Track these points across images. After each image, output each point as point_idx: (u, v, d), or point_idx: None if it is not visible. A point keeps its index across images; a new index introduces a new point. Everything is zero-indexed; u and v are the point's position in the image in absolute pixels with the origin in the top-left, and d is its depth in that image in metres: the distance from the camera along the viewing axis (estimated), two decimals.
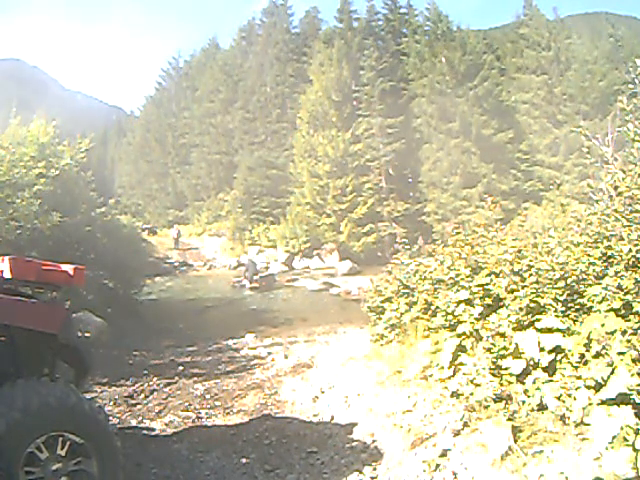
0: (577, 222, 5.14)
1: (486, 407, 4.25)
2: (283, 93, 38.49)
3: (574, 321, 4.33)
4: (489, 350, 4.54)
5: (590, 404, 3.58)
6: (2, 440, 2.89)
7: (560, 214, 7.31)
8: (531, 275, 4.77)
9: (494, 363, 4.46)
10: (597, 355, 3.77)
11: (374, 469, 4.23)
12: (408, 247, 7.84)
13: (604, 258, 4.40)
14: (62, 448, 3.17)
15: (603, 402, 3.47)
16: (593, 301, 4.23)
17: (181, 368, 8.35)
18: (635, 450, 3.10)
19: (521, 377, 4.26)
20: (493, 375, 4.42)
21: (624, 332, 3.70)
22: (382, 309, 7.28)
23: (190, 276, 25.64)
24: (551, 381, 4.02)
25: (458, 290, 5.43)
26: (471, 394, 4.48)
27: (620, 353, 3.58)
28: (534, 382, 4.13)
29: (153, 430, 5.56)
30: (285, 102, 37.97)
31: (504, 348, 4.46)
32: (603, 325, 3.89)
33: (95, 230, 11.57)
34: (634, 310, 3.82)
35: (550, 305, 4.48)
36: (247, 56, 44.55)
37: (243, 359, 9.06)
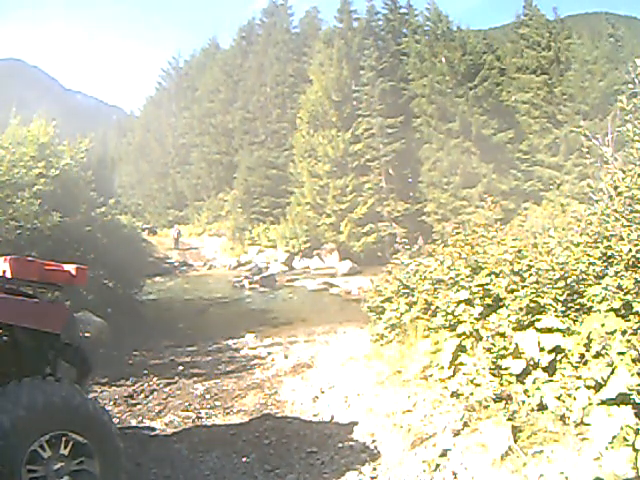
0: (577, 222, 5.14)
1: (486, 407, 4.26)
2: (283, 93, 38.51)
3: (574, 321, 4.34)
4: (489, 350, 4.54)
5: (590, 404, 3.58)
6: (5, 437, 2.89)
7: (560, 214, 7.34)
8: (531, 275, 4.77)
9: (494, 363, 4.47)
10: (597, 355, 3.78)
11: (374, 469, 4.23)
12: (408, 247, 7.84)
13: (604, 258, 4.40)
14: (65, 447, 3.17)
15: (603, 402, 3.48)
16: (593, 301, 4.24)
17: (181, 368, 8.36)
18: (635, 450, 3.10)
19: (521, 377, 4.26)
20: (493, 375, 4.42)
21: (624, 332, 3.71)
22: (382, 309, 7.28)
23: (190, 276, 25.64)
24: (551, 381, 4.03)
25: (458, 290, 5.43)
26: (471, 394, 4.49)
27: (620, 353, 3.59)
28: (534, 382, 4.13)
29: (153, 430, 5.56)
30: (285, 102, 37.98)
31: (504, 348, 4.46)
32: (603, 325, 3.89)
33: (95, 230, 11.55)
34: (634, 310, 3.82)
35: (550, 305, 4.49)
36: (247, 56, 44.64)
37: (243, 359, 9.06)
